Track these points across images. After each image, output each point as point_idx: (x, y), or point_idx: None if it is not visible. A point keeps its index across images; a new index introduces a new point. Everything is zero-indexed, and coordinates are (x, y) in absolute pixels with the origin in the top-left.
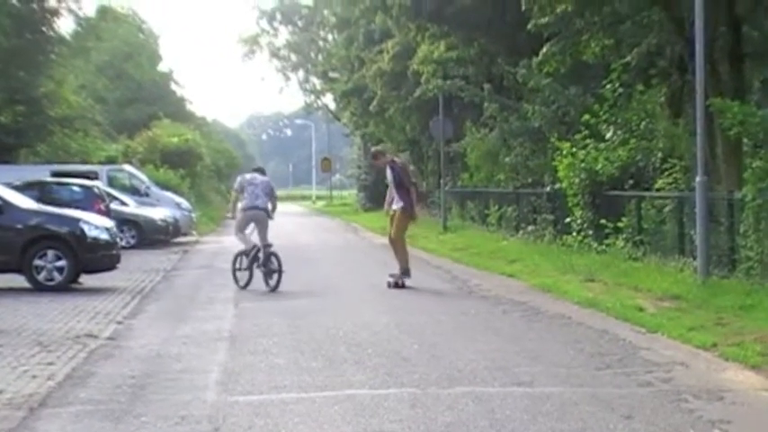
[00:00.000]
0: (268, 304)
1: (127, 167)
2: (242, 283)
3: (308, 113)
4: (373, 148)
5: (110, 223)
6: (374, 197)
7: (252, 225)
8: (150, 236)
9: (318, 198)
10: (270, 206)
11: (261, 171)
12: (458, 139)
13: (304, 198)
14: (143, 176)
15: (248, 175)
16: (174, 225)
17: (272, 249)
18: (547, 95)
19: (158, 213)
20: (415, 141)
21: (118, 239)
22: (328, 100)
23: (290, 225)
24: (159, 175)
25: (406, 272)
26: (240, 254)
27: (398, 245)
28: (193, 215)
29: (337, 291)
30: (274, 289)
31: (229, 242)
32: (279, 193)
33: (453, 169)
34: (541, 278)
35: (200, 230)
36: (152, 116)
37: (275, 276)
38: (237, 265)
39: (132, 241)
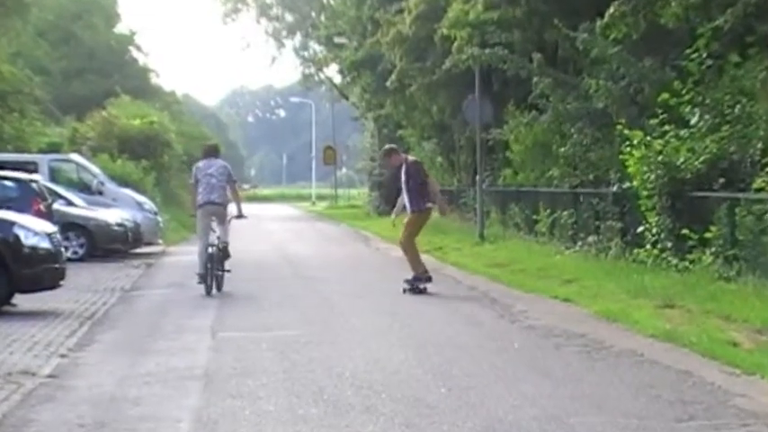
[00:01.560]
0: (255, 334)
1: (74, 157)
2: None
3: (306, 89)
4: (387, 146)
5: (52, 228)
6: (390, 197)
7: (214, 223)
8: (104, 245)
9: (319, 198)
10: (228, 197)
11: (214, 152)
12: (498, 125)
13: (301, 198)
14: (95, 169)
15: (201, 163)
16: (135, 231)
17: (221, 243)
18: (614, 68)
19: (114, 216)
20: (444, 127)
21: (62, 249)
22: (333, 73)
23: (283, 232)
24: (116, 167)
25: (420, 277)
26: (201, 275)
27: (408, 248)
28: (159, 219)
29: (343, 318)
30: (216, 290)
31: None
32: (269, 191)
33: (492, 163)
34: (605, 303)
35: (169, 238)
36: (107, 92)
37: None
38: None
39: (80, 251)
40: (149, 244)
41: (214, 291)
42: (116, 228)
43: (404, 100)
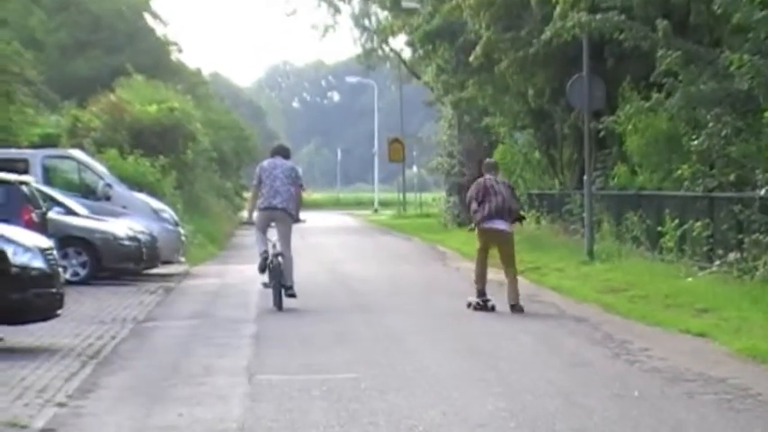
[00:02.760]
0: (303, 378)
1: (75, 153)
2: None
3: (367, 67)
4: (488, 160)
5: (47, 243)
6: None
7: (273, 231)
8: (111, 264)
9: (383, 205)
10: (293, 204)
11: (282, 152)
12: (612, 111)
13: (360, 204)
14: (101, 168)
15: (266, 162)
16: (150, 247)
17: (280, 257)
18: (762, 38)
19: (124, 228)
20: (543, 114)
21: (60, 269)
22: (401, 46)
23: (337, 249)
24: (127, 165)
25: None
26: (264, 252)
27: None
28: (181, 231)
29: (413, 357)
30: (278, 308)
31: (238, 274)
32: (319, 196)
33: (604, 159)
34: (751, 340)
35: (193, 256)
36: (116, 71)
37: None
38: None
39: (82, 272)
40: (168, 263)
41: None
42: (127, 242)
43: (491, 80)
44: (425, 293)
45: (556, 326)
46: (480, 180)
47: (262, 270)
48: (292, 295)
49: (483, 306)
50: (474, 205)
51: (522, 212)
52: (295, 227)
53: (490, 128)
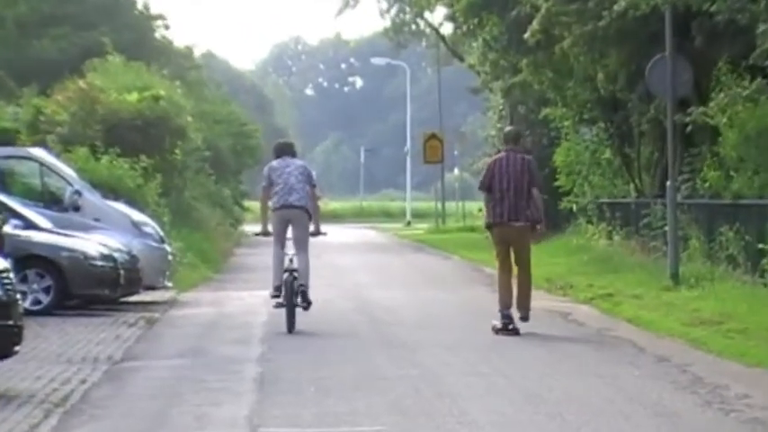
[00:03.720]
0: None
1: (37, 153)
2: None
3: (397, 46)
4: (507, 128)
5: (1, 264)
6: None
7: (289, 232)
8: (81, 290)
9: (417, 216)
10: (311, 204)
11: (289, 150)
12: (702, 100)
13: (388, 216)
14: (68, 171)
15: (276, 162)
16: (130, 268)
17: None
18: None
19: (97, 245)
20: (615, 104)
21: (18, 297)
22: (440, 19)
23: (360, 270)
24: (101, 167)
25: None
26: (277, 288)
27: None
28: (168, 249)
29: (454, 405)
30: (289, 330)
31: (238, 302)
32: (338, 205)
33: (692, 161)
34: None
35: (182, 280)
36: (88, 51)
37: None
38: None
39: (45, 300)
40: (151, 288)
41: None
42: (100, 263)
43: (551, 61)
44: (467, 325)
45: (632, 366)
46: (494, 158)
47: (278, 294)
48: (306, 303)
49: (504, 329)
50: (485, 196)
51: (535, 214)
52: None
53: (550, 121)
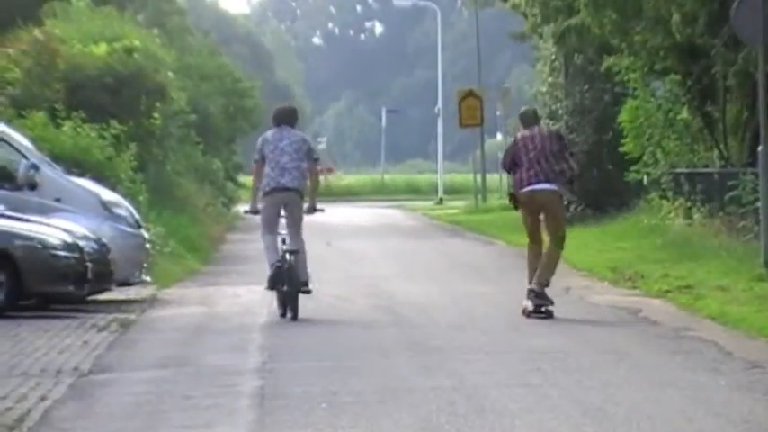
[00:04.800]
0: None
1: None
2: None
3: None
4: (524, 109)
5: None
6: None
7: (283, 219)
8: (40, 286)
9: (451, 192)
10: (307, 183)
11: (289, 119)
12: None
13: (416, 191)
14: (22, 140)
15: (270, 133)
16: (99, 260)
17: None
18: None
19: (59, 232)
20: (694, 52)
21: None
22: None
23: (383, 260)
24: (63, 137)
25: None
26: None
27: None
28: (146, 235)
29: (498, 424)
30: (291, 315)
31: (231, 300)
32: (353, 179)
33: None
34: None
35: (163, 274)
36: None
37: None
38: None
39: None
40: (126, 284)
41: (288, 316)
42: (63, 254)
43: (614, 0)
44: (512, 326)
45: (717, 374)
46: (517, 135)
47: (273, 286)
48: (307, 291)
49: (536, 311)
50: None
51: (573, 170)
52: (312, 223)
53: (614, 74)
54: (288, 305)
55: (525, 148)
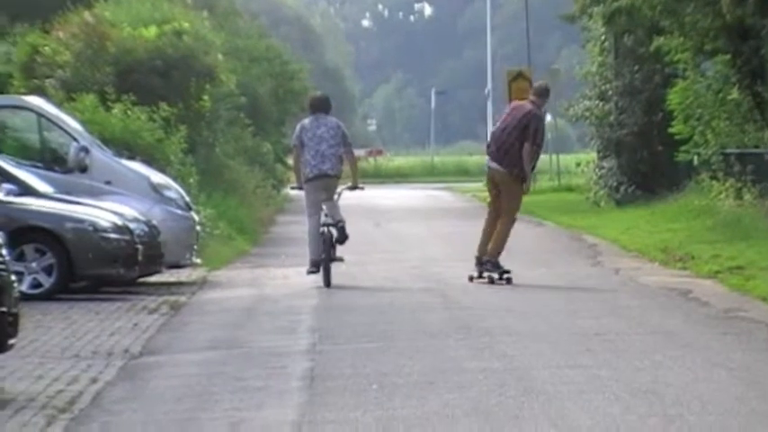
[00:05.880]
0: None
1: (34, 102)
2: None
3: None
4: (538, 83)
5: None
6: (643, 169)
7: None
8: (90, 269)
9: None
10: (342, 167)
11: (325, 107)
12: None
13: (466, 173)
14: (73, 123)
15: (307, 120)
16: (149, 243)
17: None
18: None
19: (109, 214)
20: (744, 32)
21: (12, 278)
22: None
23: (432, 242)
24: (113, 120)
25: (496, 264)
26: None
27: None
28: (196, 218)
29: (551, 407)
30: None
31: (281, 282)
32: (403, 161)
33: None
34: None
35: (213, 256)
36: None
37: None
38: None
39: (47, 282)
40: (176, 266)
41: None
42: (113, 236)
43: None
44: (562, 307)
45: None
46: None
47: (316, 269)
48: (340, 259)
49: (479, 276)
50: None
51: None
52: (362, 205)
53: (663, 54)
54: (324, 276)
55: (505, 117)
